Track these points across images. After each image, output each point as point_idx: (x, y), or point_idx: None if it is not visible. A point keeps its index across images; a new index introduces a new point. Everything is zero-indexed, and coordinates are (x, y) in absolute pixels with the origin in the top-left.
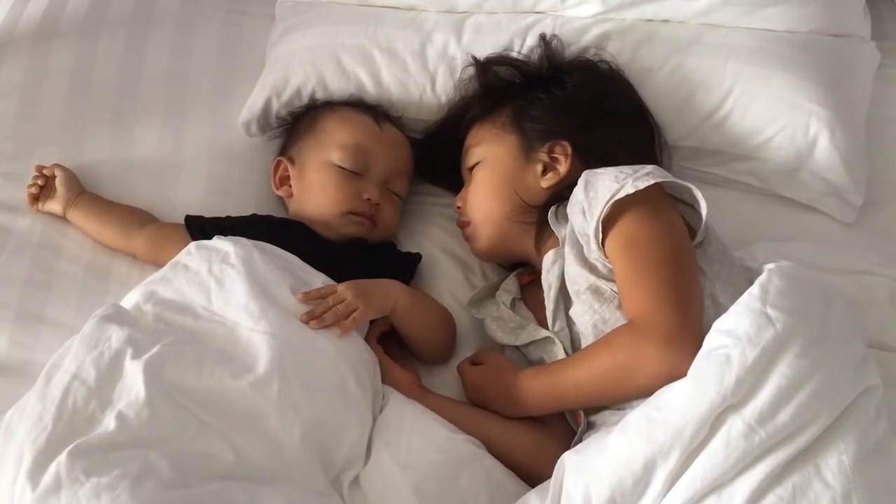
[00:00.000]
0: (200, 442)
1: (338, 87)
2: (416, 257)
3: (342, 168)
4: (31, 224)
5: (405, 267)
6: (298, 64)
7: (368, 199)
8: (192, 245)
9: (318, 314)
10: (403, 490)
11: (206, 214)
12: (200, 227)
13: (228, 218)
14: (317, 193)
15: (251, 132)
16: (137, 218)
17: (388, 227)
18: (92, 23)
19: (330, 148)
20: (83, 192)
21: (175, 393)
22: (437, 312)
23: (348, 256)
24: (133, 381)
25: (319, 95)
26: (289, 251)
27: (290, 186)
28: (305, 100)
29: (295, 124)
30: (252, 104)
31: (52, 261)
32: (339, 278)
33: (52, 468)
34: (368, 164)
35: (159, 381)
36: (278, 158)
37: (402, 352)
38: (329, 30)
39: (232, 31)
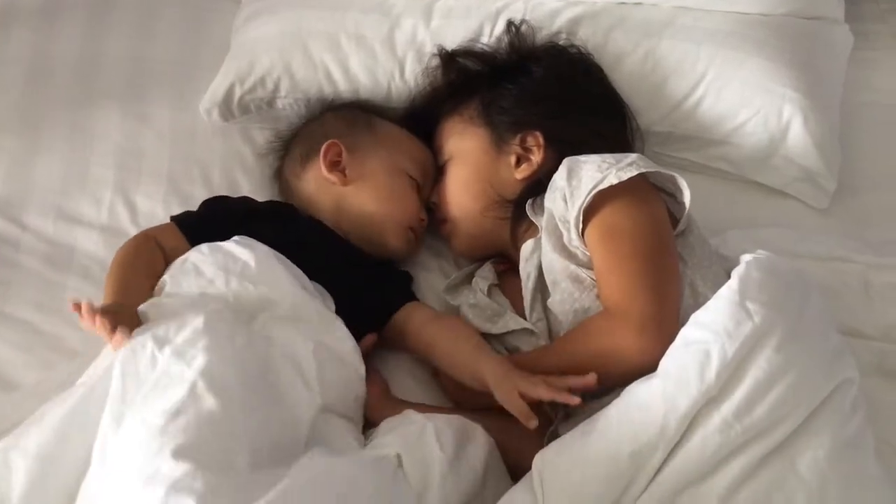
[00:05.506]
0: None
1: (304, 75)
2: (409, 277)
3: (414, 179)
4: None
5: (402, 287)
6: (264, 51)
7: (422, 220)
8: (203, 245)
9: None
10: (428, 433)
11: (172, 198)
12: (194, 228)
13: (229, 213)
14: (387, 196)
15: (212, 119)
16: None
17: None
18: (51, 6)
19: (400, 154)
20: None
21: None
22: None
23: (357, 265)
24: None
25: (286, 84)
26: (300, 249)
27: (345, 174)
28: (270, 88)
29: (339, 110)
30: (214, 91)
31: (11, 255)
32: (340, 282)
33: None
34: (425, 185)
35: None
36: (334, 140)
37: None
38: (295, 15)
39: (196, 15)
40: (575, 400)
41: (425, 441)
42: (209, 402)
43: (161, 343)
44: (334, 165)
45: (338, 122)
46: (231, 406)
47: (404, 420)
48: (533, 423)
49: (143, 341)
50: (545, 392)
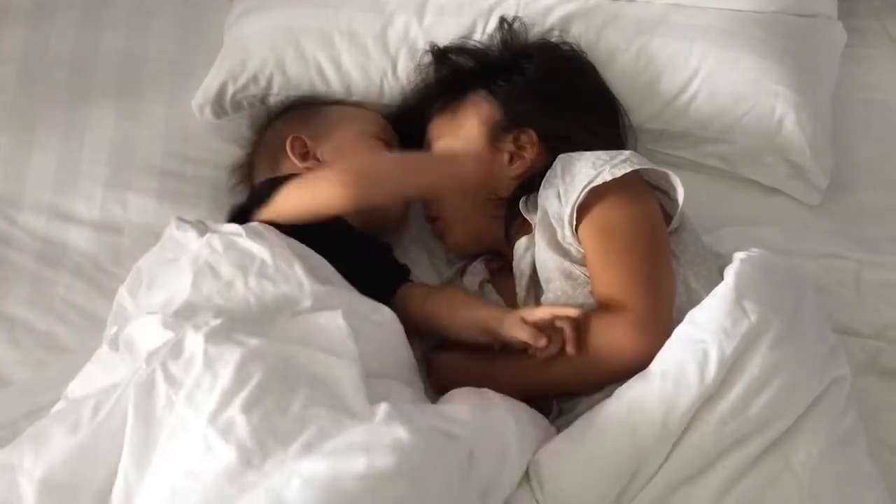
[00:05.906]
0: None
1: (297, 72)
2: (407, 269)
3: (382, 140)
4: None
5: (400, 271)
6: (256, 48)
7: None
8: (216, 240)
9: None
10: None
11: (164, 195)
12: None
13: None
14: None
15: (204, 116)
16: None
17: None
18: (45, 4)
19: (359, 122)
20: None
21: None
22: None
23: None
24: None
25: (278, 80)
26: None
27: (319, 160)
28: (263, 85)
29: (284, 114)
30: (206, 88)
31: (3, 252)
32: (343, 266)
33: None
34: (392, 143)
35: None
36: (294, 135)
37: None
38: (288, 12)
39: (190, 12)
40: (573, 312)
41: (506, 440)
42: (221, 453)
43: (175, 385)
44: (305, 157)
45: (288, 123)
46: (243, 454)
47: (484, 402)
48: (542, 342)
49: (158, 384)
50: (545, 311)
